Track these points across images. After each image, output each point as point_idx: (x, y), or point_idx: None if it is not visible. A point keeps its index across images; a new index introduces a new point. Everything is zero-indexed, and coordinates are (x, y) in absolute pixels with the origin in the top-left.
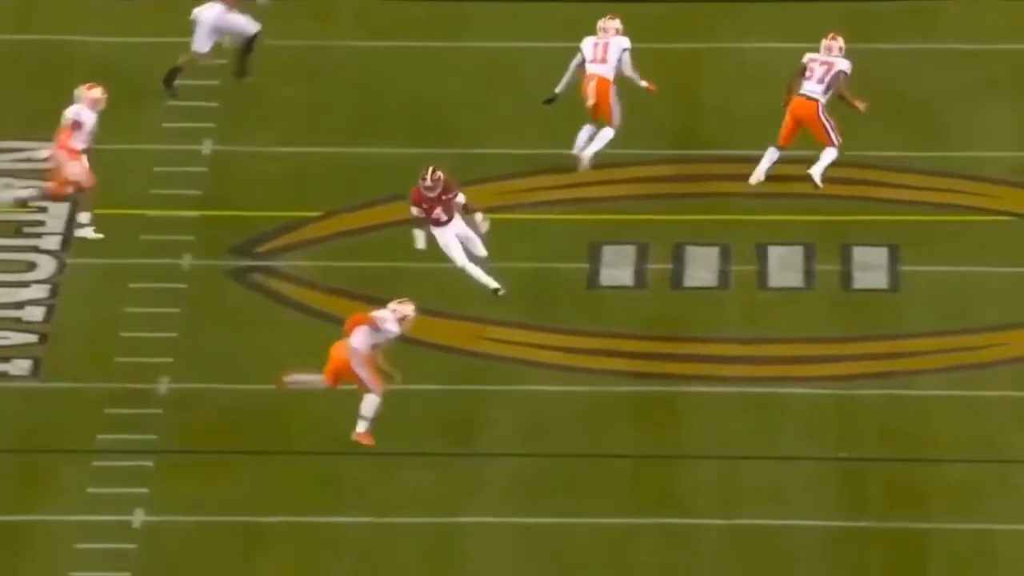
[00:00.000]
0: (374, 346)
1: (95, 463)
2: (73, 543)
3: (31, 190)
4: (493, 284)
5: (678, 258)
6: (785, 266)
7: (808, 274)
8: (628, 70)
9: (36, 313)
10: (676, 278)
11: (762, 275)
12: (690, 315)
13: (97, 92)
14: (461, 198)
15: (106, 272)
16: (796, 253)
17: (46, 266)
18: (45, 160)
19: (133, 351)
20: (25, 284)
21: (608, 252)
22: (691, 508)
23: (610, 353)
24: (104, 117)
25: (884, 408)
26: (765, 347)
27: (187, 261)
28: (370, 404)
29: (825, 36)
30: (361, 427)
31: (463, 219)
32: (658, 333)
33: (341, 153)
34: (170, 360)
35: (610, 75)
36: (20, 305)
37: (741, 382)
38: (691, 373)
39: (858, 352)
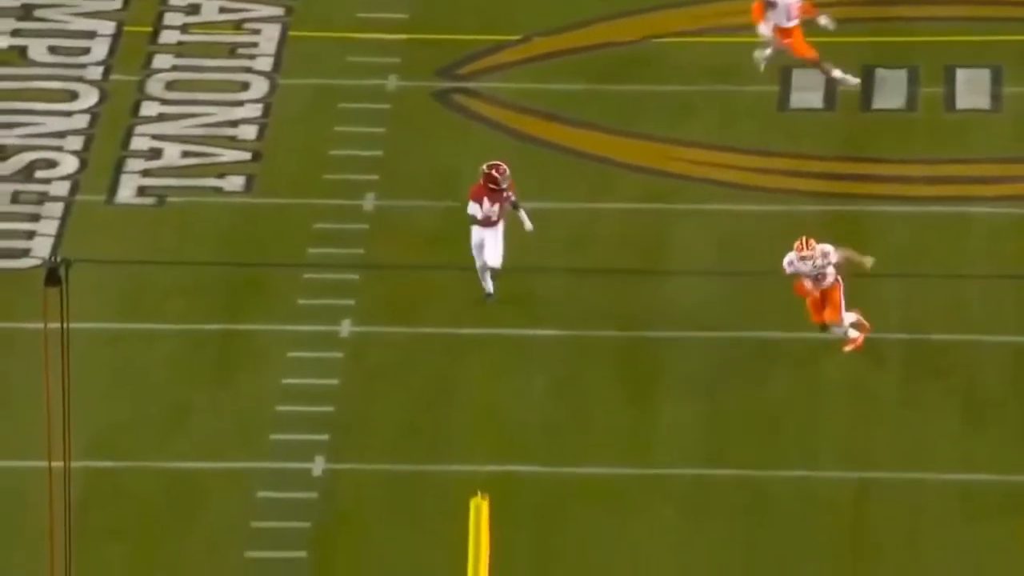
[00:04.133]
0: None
1: (305, 276)
2: (284, 352)
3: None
4: (488, 288)
5: (867, 80)
6: (972, 88)
7: (995, 97)
8: None
9: (249, 131)
10: (865, 100)
11: (949, 97)
12: (878, 136)
13: None
14: (512, 195)
15: (315, 92)
16: (983, 75)
17: (259, 86)
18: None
19: (340, 168)
20: (239, 103)
21: (798, 75)
22: (877, 323)
23: (799, 173)
24: None
25: None
26: (951, 167)
27: (392, 82)
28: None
29: None
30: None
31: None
32: (846, 154)
33: None
34: (375, 178)
35: None
36: (234, 124)
37: (927, 202)
38: (878, 193)
39: None
